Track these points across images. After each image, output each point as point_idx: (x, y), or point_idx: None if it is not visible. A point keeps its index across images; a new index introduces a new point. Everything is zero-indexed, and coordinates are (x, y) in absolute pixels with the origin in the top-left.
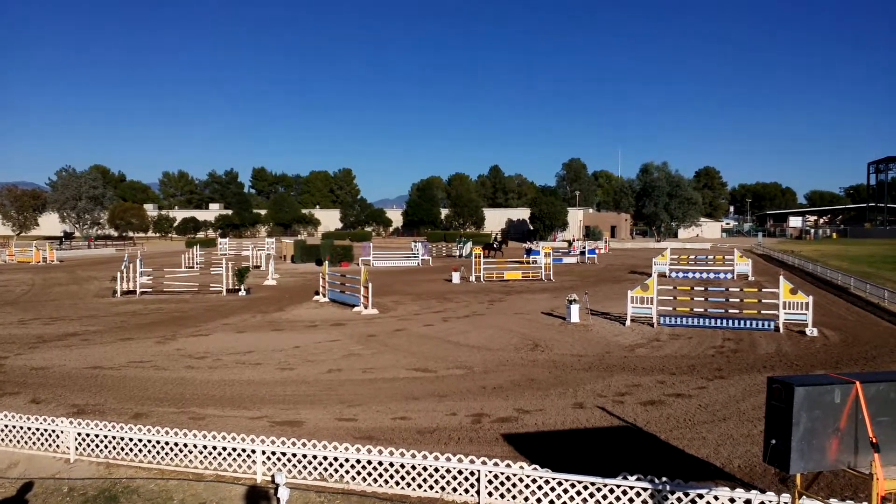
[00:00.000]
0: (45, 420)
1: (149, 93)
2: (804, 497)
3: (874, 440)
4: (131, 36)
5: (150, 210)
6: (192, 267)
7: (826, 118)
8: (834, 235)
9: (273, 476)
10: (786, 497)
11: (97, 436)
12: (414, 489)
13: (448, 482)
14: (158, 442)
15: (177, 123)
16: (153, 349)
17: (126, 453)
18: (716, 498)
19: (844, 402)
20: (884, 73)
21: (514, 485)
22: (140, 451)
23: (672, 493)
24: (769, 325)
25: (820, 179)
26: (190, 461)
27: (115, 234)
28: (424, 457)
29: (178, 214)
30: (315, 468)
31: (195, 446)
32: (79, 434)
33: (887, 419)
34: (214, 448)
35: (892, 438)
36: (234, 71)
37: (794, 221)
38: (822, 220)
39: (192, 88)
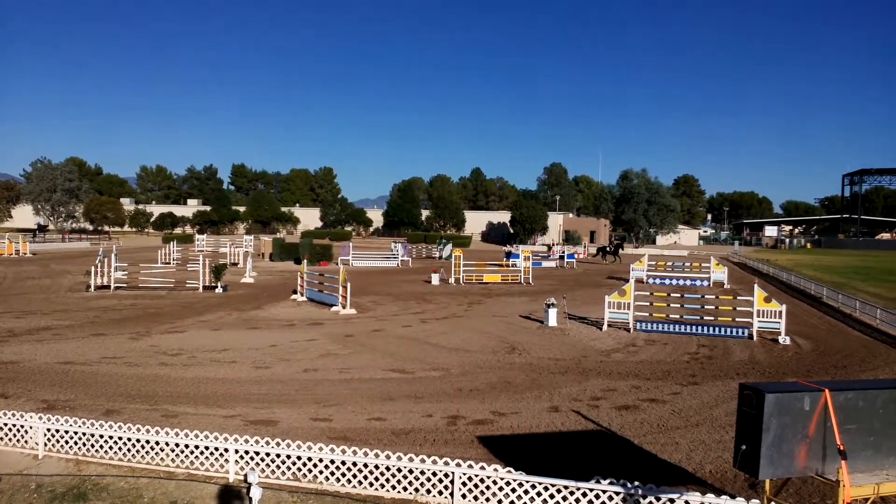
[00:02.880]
0: (13, 415)
1: (128, 86)
2: (773, 503)
3: (842, 447)
4: (110, 28)
5: (127, 204)
6: (169, 263)
7: (803, 130)
8: (808, 245)
9: (246, 475)
10: (755, 503)
11: (67, 432)
12: (388, 490)
13: (422, 483)
14: (129, 439)
15: (156, 117)
16: (126, 345)
17: (96, 450)
18: (687, 503)
19: (814, 409)
20: (860, 86)
21: (487, 487)
22: (110, 448)
23: (644, 497)
24: (743, 333)
25: (795, 190)
26: (161, 459)
27: (91, 227)
28: (399, 458)
29: (156, 209)
30: (289, 468)
31: (167, 444)
32: (48, 430)
33: (855, 427)
34: (187, 446)
35: (859, 446)
36: (215, 66)
37: (770, 231)
38: (797, 230)
39: (172, 83)
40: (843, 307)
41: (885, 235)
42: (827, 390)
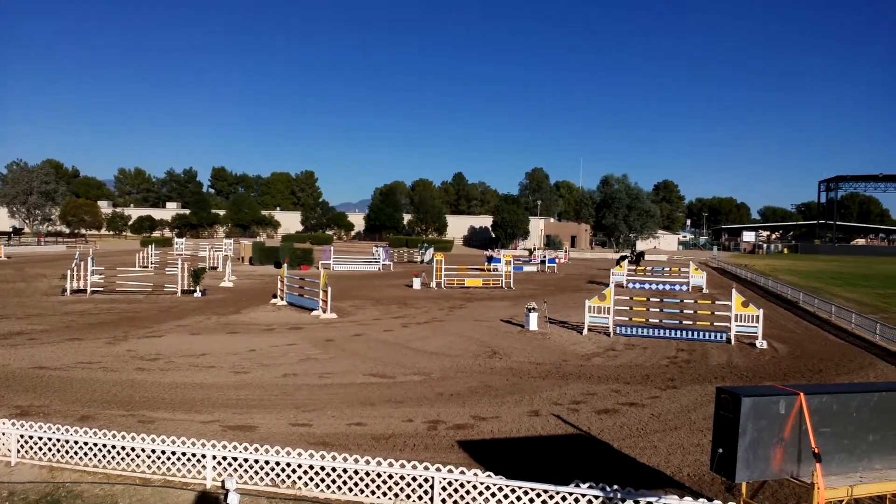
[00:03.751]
0: None
1: (106, 87)
2: None
3: (816, 450)
4: (88, 28)
5: (105, 207)
6: (147, 266)
7: (780, 136)
8: (785, 251)
9: (223, 482)
10: None
11: (41, 438)
12: (367, 496)
13: (402, 489)
14: (105, 445)
15: (134, 119)
16: (103, 350)
17: (70, 457)
18: None
19: (789, 412)
20: (837, 94)
21: (467, 492)
22: (85, 454)
23: (623, 500)
24: (721, 337)
25: (773, 196)
26: (137, 465)
27: (67, 230)
28: (378, 463)
29: (134, 212)
30: (267, 474)
31: (143, 450)
32: (21, 436)
33: (829, 430)
34: (163, 452)
35: (833, 449)
36: (195, 69)
37: (748, 236)
38: (774, 236)
39: (150, 84)
40: (819, 312)
41: (860, 241)
42: (802, 394)
